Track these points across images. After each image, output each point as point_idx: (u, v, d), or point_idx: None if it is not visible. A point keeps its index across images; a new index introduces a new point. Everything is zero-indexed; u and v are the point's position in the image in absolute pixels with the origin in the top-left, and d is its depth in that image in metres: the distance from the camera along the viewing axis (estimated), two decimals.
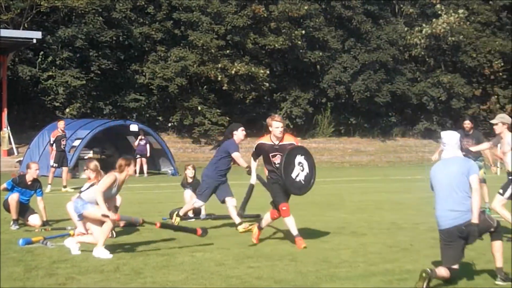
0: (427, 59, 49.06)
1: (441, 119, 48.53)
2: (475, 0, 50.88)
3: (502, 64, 49.36)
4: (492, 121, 11.91)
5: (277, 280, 8.15)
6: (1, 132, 31.85)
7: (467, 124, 15.97)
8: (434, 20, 47.38)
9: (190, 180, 14.44)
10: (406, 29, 47.79)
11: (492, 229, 7.87)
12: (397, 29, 47.54)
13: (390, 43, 46.52)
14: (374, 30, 46.31)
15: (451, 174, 7.88)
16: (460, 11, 47.74)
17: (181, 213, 12.77)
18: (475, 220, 7.64)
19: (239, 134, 12.14)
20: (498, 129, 11.67)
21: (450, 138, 8.13)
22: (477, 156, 15.23)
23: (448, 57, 49.80)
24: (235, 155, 11.93)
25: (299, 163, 10.41)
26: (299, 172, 10.39)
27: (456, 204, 7.73)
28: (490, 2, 51.44)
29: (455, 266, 7.74)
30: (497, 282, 7.88)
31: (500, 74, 50.13)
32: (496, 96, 50.50)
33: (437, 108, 48.12)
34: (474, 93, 49.83)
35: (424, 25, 47.49)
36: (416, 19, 49.31)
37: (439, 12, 47.68)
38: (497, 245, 7.92)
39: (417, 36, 47.17)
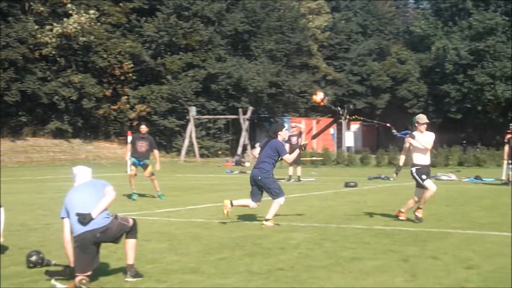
0: (58, 59, 50.28)
1: (72, 119, 50.44)
2: (106, 2, 53.13)
3: (132, 65, 52.60)
4: None
5: None
6: None
7: (143, 128, 19.71)
8: (65, 19, 48.68)
9: None
10: (36, 27, 48.39)
11: (128, 230, 8.44)
12: (27, 28, 47.97)
13: (20, 41, 47.02)
14: (4, 27, 46.60)
15: (85, 197, 8.38)
16: (91, 11, 49.56)
17: None
18: (93, 213, 8.15)
19: (283, 134, 13.70)
20: None
21: (81, 172, 8.71)
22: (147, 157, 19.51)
23: (80, 57, 51.49)
24: (286, 157, 13.53)
25: None
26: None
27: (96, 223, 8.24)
28: (120, 4, 54.17)
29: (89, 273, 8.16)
30: (126, 279, 8.41)
31: (130, 75, 53.31)
32: (126, 97, 53.60)
33: (68, 107, 49.77)
34: (105, 93, 52.15)
35: (55, 24, 48.57)
36: (47, 18, 50.08)
37: (70, 12, 49.04)
38: (131, 243, 8.49)
39: (48, 35, 48.11)
